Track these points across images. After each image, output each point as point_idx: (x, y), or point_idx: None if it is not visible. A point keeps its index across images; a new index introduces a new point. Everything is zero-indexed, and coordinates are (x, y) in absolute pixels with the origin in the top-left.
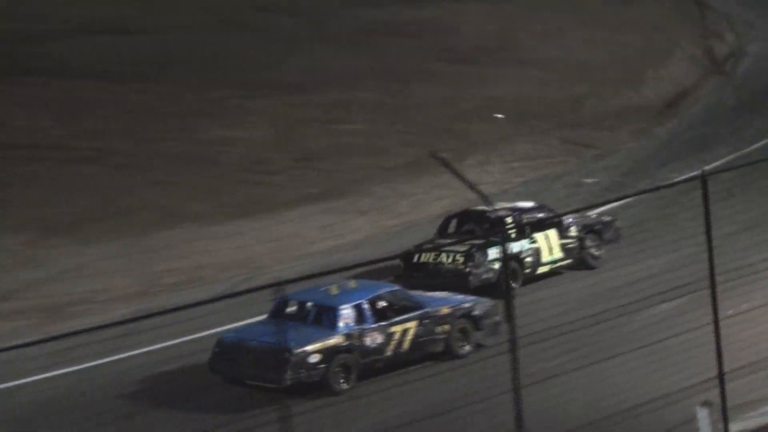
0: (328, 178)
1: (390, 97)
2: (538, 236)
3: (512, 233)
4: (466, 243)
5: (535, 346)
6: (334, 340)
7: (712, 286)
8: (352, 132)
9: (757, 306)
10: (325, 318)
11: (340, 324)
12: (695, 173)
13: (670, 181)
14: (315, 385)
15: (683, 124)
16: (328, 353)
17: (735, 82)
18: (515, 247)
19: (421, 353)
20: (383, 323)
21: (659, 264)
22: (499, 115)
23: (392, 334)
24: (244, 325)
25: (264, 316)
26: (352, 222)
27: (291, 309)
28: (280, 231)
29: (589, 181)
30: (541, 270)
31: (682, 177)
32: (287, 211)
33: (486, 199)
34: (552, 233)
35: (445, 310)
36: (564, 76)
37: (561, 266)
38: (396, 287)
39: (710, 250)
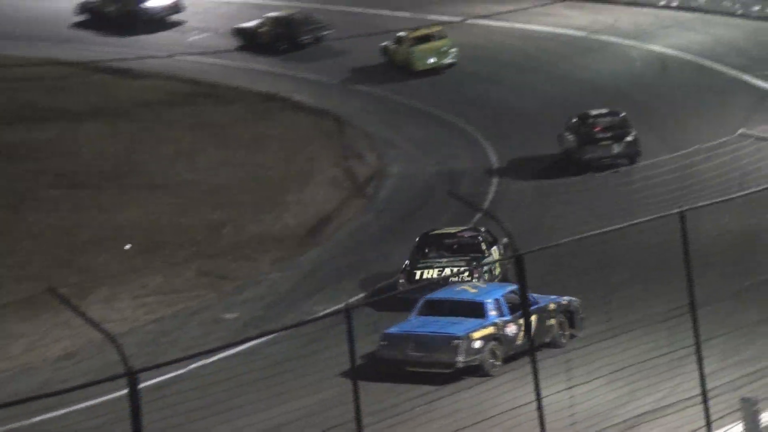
0: None
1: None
2: (493, 251)
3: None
4: (460, 258)
5: None
6: (490, 329)
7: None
8: None
9: None
10: (476, 311)
11: (491, 314)
12: (340, 306)
13: (314, 316)
14: (471, 369)
15: (327, 252)
16: (486, 340)
17: (378, 206)
18: (489, 260)
19: (538, 343)
20: (516, 315)
21: (299, 407)
22: (127, 246)
23: (521, 325)
24: (403, 321)
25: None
26: None
27: (437, 306)
28: None
29: (228, 316)
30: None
31: (326, 310)
32: None
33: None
34: (495, 251)
35: (552, 306)
36: (198, 202)
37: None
38: (516, 286)
39: (356, 391)
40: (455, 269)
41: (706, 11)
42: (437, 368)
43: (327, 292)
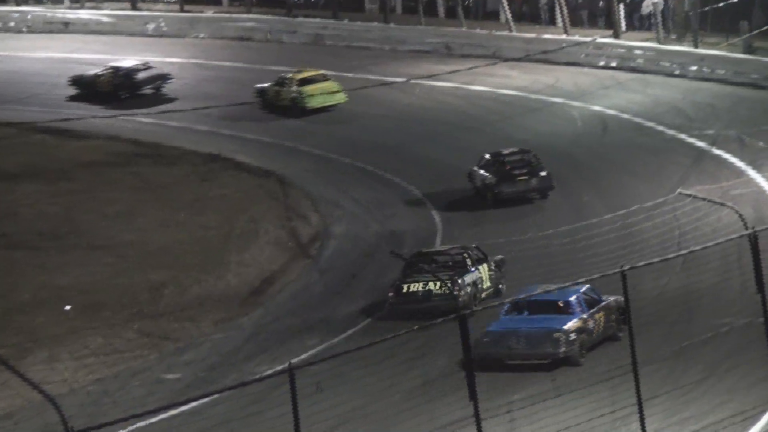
0: None
1: None
2: (480, 268)
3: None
4: (443, 273)
5: None
6: (579, 323)
7: None
8: None
9: None
10: (562, 308)
11: (577, 310)
12: (283, 367)
13: (257, 376)
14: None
15: (270, 313)
16: (578, 332)
17: (321, 267)
18: (472, 276)
19: (604, 336)
20: (592, 311)
21: None
22: (67, 306)
23: (596, 320)
24: (498, 321)
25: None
26: None
27: (524, 306)
28: None
29: (170, 377)
30: (484, 295)
31: (270, 371)
32: None
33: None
34: (484, 267)
35: (612, 303)
36: (140, 262)
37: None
38: (587, 286)
39: None
40: (438, 283)
41: (645, 71)
42: (539, 360)
43: (270, 352)
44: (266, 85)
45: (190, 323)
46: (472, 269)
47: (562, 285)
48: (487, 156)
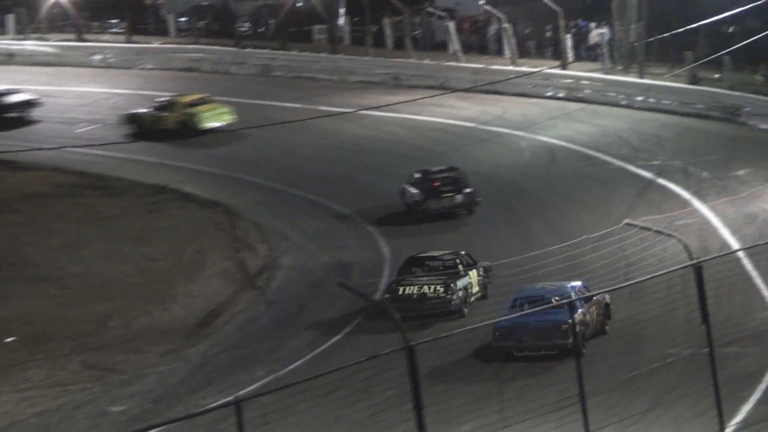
0: None
1: None
2: (471, 273)
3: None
4: (437, 277)
5: None
6: (581, 316)
7: None
8: None
9: None
10: (569, 303)
11: (577, 304)
12: (229, 399)
13: (203, 408)
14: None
15: (217, 345)
16: (581, 325)
17: (269, 298)
18: (464, 281)
19: (595, 330)
20: (587, 305)
21: None
22: (10, 339)
23: (591, 314)
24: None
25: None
26: None
27: (526, 302)
28: None
29: (115, 409)
30: (473, 299)
31: (216, 403)
32: None
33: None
34: (473, 272)
35: (600, 298)
36: (84, 294)
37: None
38: (580, 283)
39: None
40: (432, 286)
41: (592, 102)
42: (548, 351)
43: (217, 384)
44: (141, 110)
45: (136, 355)
46: (464, 274)
47: (554, 283)
48: (417, 174)
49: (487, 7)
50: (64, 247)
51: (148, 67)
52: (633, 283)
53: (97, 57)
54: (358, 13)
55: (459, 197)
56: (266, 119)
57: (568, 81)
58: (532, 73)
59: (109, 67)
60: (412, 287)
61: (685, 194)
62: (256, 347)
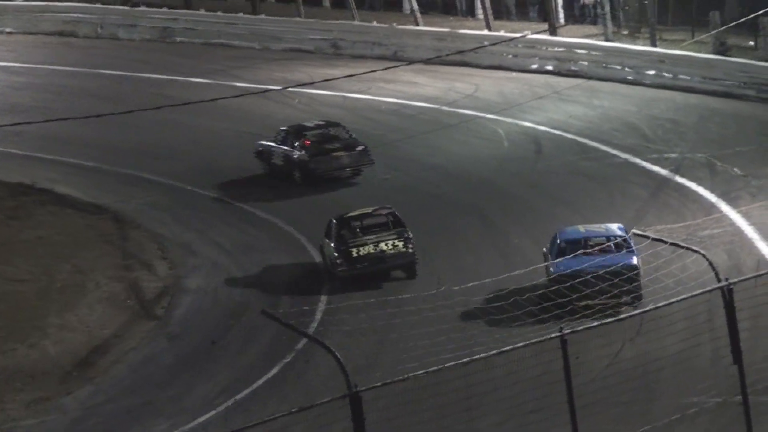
0: None
1: None
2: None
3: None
4: (385, 233)
5: None
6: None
7: None
8: None
9: None
10: (622, 245)
11: (633, 246)
12: None
13: None
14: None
15: (103, 392)
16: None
17: (171, 330)
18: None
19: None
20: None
21: None
22: None
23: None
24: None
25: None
26: None
27: (578, 244)
28: None
29: None
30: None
31: None
32: None
33: None
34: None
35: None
36: None
37: None
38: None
39: None
40: (389, 242)
41: (589, 77)
42: (616, 298)
43: None
44: None
45: None
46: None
47: (594, 225)
48: (287, 129)
49: None
50: None
51: (8, 30)
52: (645, 311)
53: None
54: None
55: (351, 156)
56: (165, 99)
57: (559, 50)
58: (512, 39)
59: None
60: (366, 246)
61: (710, 196)
62: (155, 394)
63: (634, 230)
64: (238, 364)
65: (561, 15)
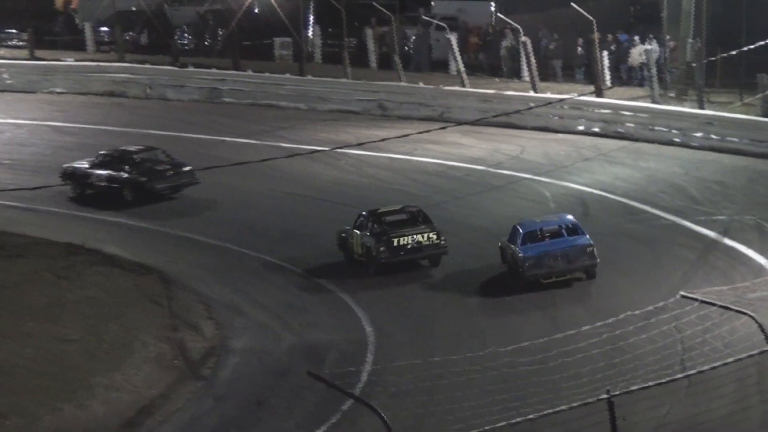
0: None
1: None
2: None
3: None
4: (418, 226)
5: None
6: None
7: None
8: None
9: None
10: (578, 230)
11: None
12: None
13: None
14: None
15: None
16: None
17: (217, 391)
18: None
19: None
20: None
21: None
22: None
23: None
24: (526, 247)
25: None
26: None
27: (539, 234)
28: None
29: None
30: None
31: None
32: None
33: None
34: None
35: None
36: None
37: None
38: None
39: None
40: (425, 235)
41: (636, 139)
42: (578, 273)
43: None
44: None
45: None
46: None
47: (546, 216)
48: (108, 152)
49: (500, 15)
50: None
51: (58, 90)
52: (693, 374)
53: None
54: (332, 23)
55: (181, 175)
56: (212, 160)
57: (605, 112)
58: (558, 101)
59: (5, 90)
60: (405, 237)
61: (759, 259)
62: None
63: (682, 292)
64: (283, 426)
65: (608, 77)
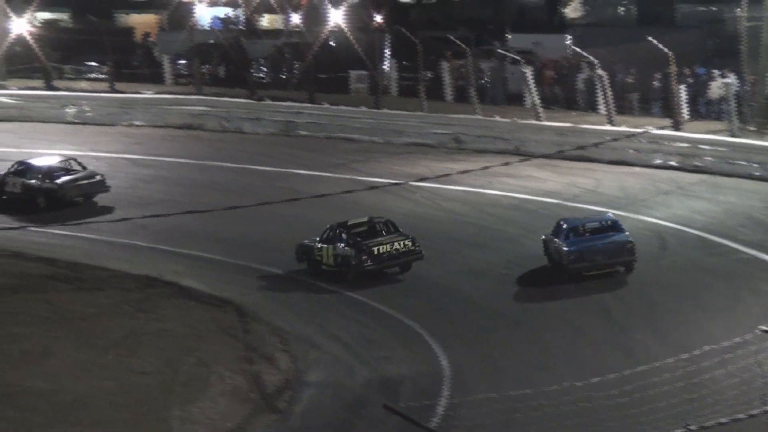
0: None
1: None
2: None
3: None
4: (392, 235)
5: None
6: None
7: None
8: None
9: None
10: (616, 227)
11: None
12: None
13: None
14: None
15: None
16: None
17: (292, 424)
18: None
19: None
20: None
21: None
22: None
23: None
24: (568, 242)
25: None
26: None
27: (581, 229)
28: None
29: None
30: None
31: None
32: None
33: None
34: None
35: None
36: (51, 417)
37: None
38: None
39: None
40: (402, 242)
41: (714, 172)
42: (619, 267)
43: None
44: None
45: None
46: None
47: (588, 216)
48: (19, 164)
49: (576, 49)
50: (26, 355)
51: (137, 123)
52: None
53: (71, 110)
54: (408, 56)
55: (92, 183)
56: (288, 192)
57: (683, 145)
58: (635, 134)
59: (85, 122)
60: (383, 245)
61: None
62: None
63: (762, 327)
64: None
65: (685, 110)
